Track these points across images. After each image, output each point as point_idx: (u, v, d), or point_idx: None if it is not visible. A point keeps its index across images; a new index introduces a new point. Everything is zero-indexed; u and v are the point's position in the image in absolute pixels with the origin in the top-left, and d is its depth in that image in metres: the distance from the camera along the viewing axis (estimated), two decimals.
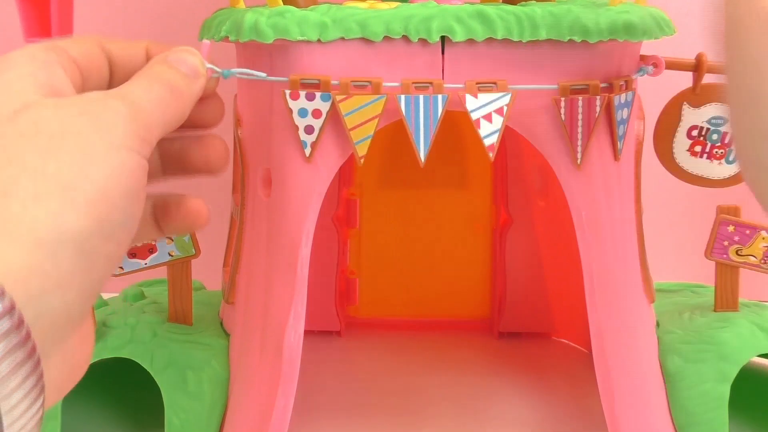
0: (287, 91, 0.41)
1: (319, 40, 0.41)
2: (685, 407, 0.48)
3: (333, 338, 0.66)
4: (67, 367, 0.31)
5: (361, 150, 0.40)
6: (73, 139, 0.31)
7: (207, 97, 0.39)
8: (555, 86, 0.42)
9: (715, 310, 0.53)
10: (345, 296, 0.66)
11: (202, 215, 0.39)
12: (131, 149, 0.32)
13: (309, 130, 0.41)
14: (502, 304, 0.65)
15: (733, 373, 0.48)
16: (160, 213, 0.39)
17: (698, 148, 0.51)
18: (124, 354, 0.48)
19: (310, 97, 0.41)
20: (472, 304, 0.67)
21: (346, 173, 0.64)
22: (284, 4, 0.44)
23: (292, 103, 0.41)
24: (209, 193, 0.41)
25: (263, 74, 0.42)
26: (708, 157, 0.51)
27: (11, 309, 0.26)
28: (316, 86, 0.41)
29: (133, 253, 0.50)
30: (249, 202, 0.48)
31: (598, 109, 0.43)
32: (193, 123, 0.40)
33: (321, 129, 0.41)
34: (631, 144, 0.47)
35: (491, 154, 0.41)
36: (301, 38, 0.41)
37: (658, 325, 0.52)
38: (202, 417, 0.48)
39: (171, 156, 0.39)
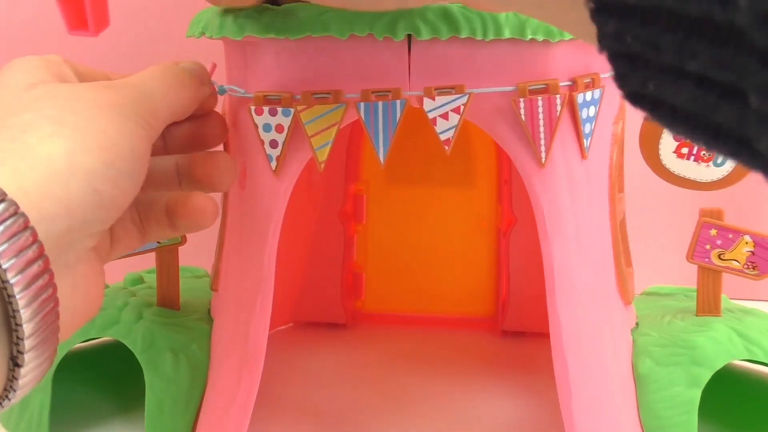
0: (252, 107, 0.43)
1: (287, 38, 0.43)
2: (654, 411, 0.47)
3: (339, 330, 0.67)
4: (81, 296, 0.34)
5: (321, 156, 0.42)
6: (87, 103, 0.35)
7: (208, 114, 0.44)
8: (513, 88, 0.42)
9: (696, 315, 0.51)
10: (352, 290, 0.68)
11: (207, 212, 0.41)
12: (137, 124, 0.36)
13: (274, 144, 0.43)
14: (506, 302, 0.65)
15: (705, 378, 0.47)
16: (172, 210, 0.42)
17: (685, 150, 0.50)
18: (109, 334, 0.50)
19: (273, 113, 0.42)
20: (476, 302, 0.67)
21: (353, 169, 0.65)
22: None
23: (257, 119, 0.43)
24: None
25: (242, 90, 0.44)
26: (695, 159, 0.50)
27: (26, 226, 0.30)
28: (278, 102, 0.42)
29: None
30: (231, 191, 0.49)
31: (558, 107, 0.43)
32: (197, 141, 0.44)
33: (284, 143, 0.43)
34: (603, 143, 0.47)
35: (447, 148, 0.42)
36: (268, 35, 0.43)
37: (637, 326, 0.51)
38: (180, 399, 0.49)
39: (184, 171, 0.43)
